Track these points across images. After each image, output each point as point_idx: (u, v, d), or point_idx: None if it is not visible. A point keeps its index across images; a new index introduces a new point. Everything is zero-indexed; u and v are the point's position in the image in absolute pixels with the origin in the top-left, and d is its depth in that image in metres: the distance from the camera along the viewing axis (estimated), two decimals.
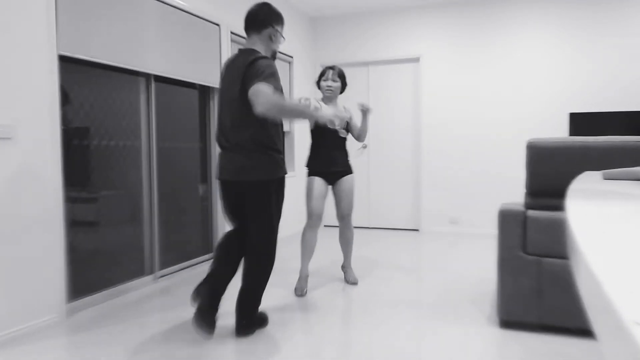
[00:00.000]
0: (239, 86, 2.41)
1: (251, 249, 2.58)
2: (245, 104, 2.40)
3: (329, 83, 3.39)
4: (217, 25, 4.38)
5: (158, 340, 2.56)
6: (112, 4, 3.24)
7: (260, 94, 2.29)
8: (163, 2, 3.70)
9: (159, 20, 3.66)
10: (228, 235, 2.67)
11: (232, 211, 2.66)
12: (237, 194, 2.58)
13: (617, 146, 2.44)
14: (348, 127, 3.46)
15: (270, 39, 2.59)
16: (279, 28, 2.62)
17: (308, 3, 5.73)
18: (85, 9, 3.03)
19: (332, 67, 3.43)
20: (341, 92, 3.49)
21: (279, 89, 2.42)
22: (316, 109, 2.82)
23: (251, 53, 2.48)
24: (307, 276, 3.43)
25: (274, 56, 2.65)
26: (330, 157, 3.40)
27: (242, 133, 2.46)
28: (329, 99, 3.44)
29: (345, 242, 3.62)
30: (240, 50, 2.57)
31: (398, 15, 5.98)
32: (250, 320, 2.60)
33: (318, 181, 3.38)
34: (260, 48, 2.57)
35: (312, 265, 4.20)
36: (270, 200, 2.54)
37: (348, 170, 3.48)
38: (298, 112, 2.44)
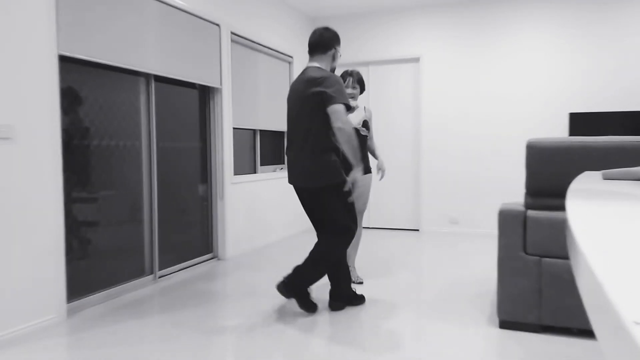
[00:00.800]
0: (309, 96, 2.79)
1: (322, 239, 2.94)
2: (313, 110, 2.79)
3: (349, 90, 3.56)
4: (217, 25, 4.38)
5: (158, 340, 2.56)
6: (112, 4, 3.24)
7: (339, 115, 2.72)
8: (163, 2, 3.70)
9: (159, 20, 3.66)
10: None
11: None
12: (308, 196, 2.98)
13: (617, 146, 2.44)
14: (367, 126, 3.61)
15: (333, 58, 3.00)
16: (339, 48, 3.03)
17: (308, 3, 5.73)
18: (85, 8, 3.04)
19: (350, 74, 3.56)
20: (360, 94, 3.70)
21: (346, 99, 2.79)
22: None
23: (317, 71, 2.87)
24: (352, 267, 3.66)
25: (332, 71, 3.05)
26: None
27: (309, 139, 2.83)
28: None
29: (354, 240, 3.63)
30: (307, 67, 2.96)
31: (398, 15, 5.98)
32: (294, 287, 2.88)
33: None
34: (323, 66, 2.96)
35: None
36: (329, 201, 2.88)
37: (368, 169, 3.59)
38: (353, 150, 2.77)
